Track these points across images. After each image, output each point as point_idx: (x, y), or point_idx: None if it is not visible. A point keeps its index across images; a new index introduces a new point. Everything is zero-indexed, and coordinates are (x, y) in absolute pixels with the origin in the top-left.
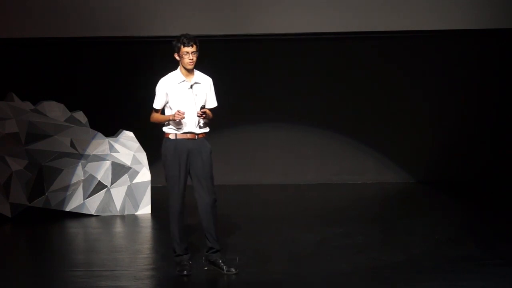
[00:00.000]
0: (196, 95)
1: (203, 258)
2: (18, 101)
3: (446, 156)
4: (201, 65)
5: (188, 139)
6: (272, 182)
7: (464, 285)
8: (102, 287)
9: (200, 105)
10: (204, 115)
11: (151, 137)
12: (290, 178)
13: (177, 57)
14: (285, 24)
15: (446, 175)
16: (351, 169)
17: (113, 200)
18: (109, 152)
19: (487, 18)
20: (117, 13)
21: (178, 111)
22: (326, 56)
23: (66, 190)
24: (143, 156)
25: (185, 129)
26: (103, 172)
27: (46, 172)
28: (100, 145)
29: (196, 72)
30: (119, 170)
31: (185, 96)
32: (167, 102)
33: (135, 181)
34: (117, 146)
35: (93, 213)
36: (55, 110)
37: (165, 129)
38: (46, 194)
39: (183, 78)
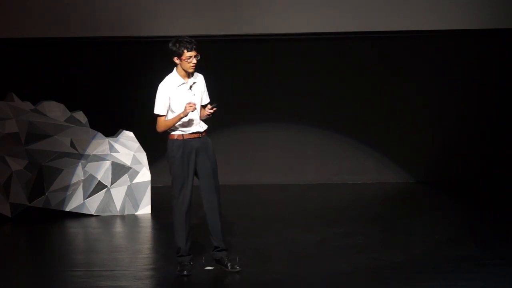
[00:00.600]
0: (194, 94)
1: (203, 258)
2: (18, 101)
3: (446, 156)
4: (201, 65)
5: (194, 138)
6: (272, 182)
7: (464, 285)
8: (102, 287)
9: (199, 103)
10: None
11: (151, 137)
12: (290, 178)
13: (177, 61)
14: (285, 24)
15: (446, 175)
16: (351, 169)
17: (113, 200)
18: (109, 152)
19: (487, 18)
20: (117, 13)
21: (189, 103)
22: (326, 56)
23: (66, 190)
24: (143, 156)
25: (191, 129)
26: (103, 172)
27: (46, 172)
28: (100, 145)
29: None
30: (119, 170)
31: (186, 98)
32: (168, 107)
33: (135, 181)
34: (117, 146)
35: (93, 213)
36: (55, 110)
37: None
38: (46, 194)
39: (182, 80)
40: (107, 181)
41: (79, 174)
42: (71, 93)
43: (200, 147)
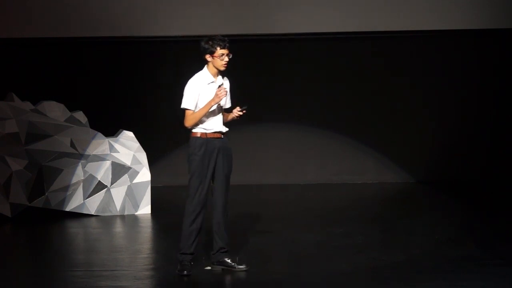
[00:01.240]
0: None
1: (203, 258)
2: (18, 101)
3: (446, 156)
4: (201, 65)
5: (217, 138)
6: (272, 182)
7: (464, 285)
8: (102, 287)
9: (223, 106)
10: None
11: (151, 137)
12: (290, 178)
13: (209, 58)
14: (285, 24)
15: (446, 175)
16: (351, 169)
17: (113, 200)
18: (109, 152)
19: (487, 18)
20: (117, 13)
21: (219, 87)
22: (326, 56)
23: (66, 190)
24: (143, 156)
25: (215, 128)
26: (103, 172)
27: (46, 172)
28: (100, 145)
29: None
30: (119, 170)
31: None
32: (196, 103)
33: (135, 181)
34: (117, 146)
35: (93, 213)
36: (55, 110)
37: (195, 128)
38: (46, 194)
39: (212, 78)
40: (107, 181)
41: (79, 174)
42: (71, 93)
43: (222, 147)
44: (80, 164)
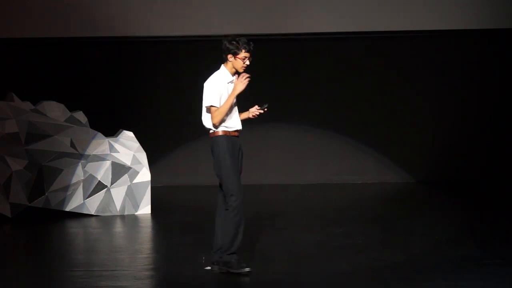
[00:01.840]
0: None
1: (203, 258)
2: (18, 101)
3: (446, 156)
4: (201, 65)
5: (236, 136)
6: (272, 182)
7: (464, 285)
8: (102, 287)
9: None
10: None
11: (151, 137)
12: (290, 178)
13: (230, 58)
14: (285, 25)
15: (446, 175)
16: (351, 169)
17: (113, 200)
18: (109, 152)
19: (487, 18)
20: (117, 13)
21: (242, 75)
22: (326, 56)
23: (66, 190)
24: (143, 156)
25: (235, 126)
26: (103, 172)
27: (46, 172)
28: (100, 145)
29: None
30: (119, 170)
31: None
32: (220, 101)
33: (135, 181)
34: (117, 146)
35: (93, 213)
36: (55, 110)
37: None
38: (46, 194)
39: (231, 77)
40: (107, 181)
41: (79, 174)
42: (71, 93)
43: (240, 145)
44: (80, 164)
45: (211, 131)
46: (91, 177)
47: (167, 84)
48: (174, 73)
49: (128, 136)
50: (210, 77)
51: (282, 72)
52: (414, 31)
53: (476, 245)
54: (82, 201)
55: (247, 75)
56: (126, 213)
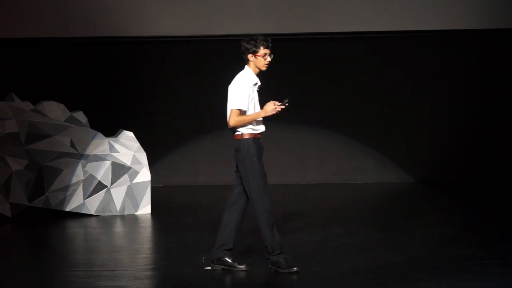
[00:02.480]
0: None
1: (203, 258)
2: (18, 101)
3: (446, 156)
4: (201, 65)
5: (260, 138)
6: (272, 182)
7: (464, 285)
8: (102, 287)
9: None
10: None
11: (151, 137)
12: (290, 178)
13: (251, 58)
14: (284, 25)
15: (446, 175)
16: (351, 169)
17: (113, 200)
18: (109, 152)
19: (487, 18)
20: (117, 13)
21: (274, 103)
22: (327, 56)
23: (66, 190)
24: (143, 156)
25: (261, 129)
26: (103, 172)
27: (46, 172)
28: (100, 145)
29: None
30: (119, 170)
31: (256, 98)
32: (248, 104)
33: (135, 181)
34: (117, 146)
35: (93, 213)
36: (55, 110)
37: (243, 129)
38: (46, 194)
39: (256, 79)
40: (107, 181)
41: (79, 174)
42: (71, 93)
43: (263, 147)
44: (80, 164)
45: (237, 133)
46: (91, 177)
47: (167, 84)
48: (174, 73)
49: (128, 136)
50: (235, 78)
51: (282, 72)
52: (414, 31)
53: (476, 245)
54: (82, 201)
55: (282, 106)
56: (126, 213)
